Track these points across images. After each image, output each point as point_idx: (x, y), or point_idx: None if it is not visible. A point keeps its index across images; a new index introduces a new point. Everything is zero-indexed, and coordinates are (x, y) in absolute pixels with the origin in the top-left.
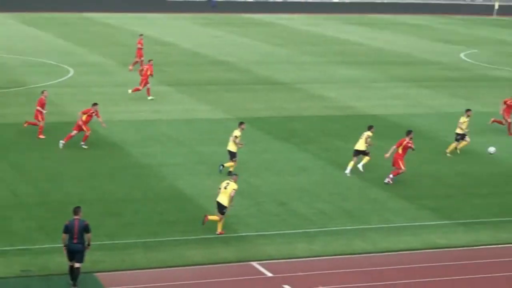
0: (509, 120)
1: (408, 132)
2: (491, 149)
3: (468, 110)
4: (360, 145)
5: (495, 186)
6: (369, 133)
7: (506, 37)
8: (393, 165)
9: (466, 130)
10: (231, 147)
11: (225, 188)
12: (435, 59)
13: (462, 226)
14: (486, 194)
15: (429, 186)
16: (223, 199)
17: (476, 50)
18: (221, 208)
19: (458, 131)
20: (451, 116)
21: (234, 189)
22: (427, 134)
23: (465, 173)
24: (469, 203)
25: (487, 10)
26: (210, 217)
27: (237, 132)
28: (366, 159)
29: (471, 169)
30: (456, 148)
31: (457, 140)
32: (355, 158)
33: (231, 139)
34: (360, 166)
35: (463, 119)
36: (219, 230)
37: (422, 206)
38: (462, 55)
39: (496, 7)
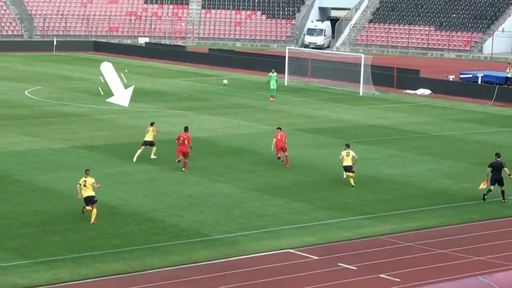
0: None
1: None
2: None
3: None
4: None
5: (72, 222)
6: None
7: (66, 72)
8: None
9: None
10: None
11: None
12: (1, 98)
13: (42, 264)
14: (64, 231)
15: (5, 226)
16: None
17: (40, 87)
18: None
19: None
20: (21, 154)
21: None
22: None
23: (42, 211)
24: (47, 241)
25: (46, 46)
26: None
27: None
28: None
29: (47, 207)
30: None
31: None
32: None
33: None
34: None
35: None
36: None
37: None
38: (26, 92)
39: (55, 43)
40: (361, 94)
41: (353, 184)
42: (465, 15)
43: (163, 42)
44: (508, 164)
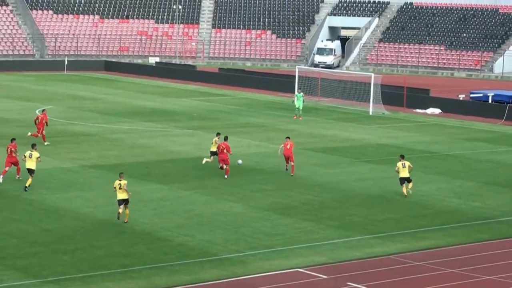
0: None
1: None
2: (239, 161)
3: None
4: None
5: (81, 241)
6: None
7: (77, 92)
8: None
9: None
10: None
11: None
12: (13, 117)
13: (51, 283)
14: (73, 250)
15: (14, 245)
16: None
17: (51, 106)
18: None
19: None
20: None
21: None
22: None
23: (51, 230)
24: (56, 260)
25: (57, 66)
26: None
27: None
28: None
29: (56, 226)
30: None
31: None
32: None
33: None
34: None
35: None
36: None
37: (8, 266)
38: (37, 111)
39: (66, 62)
40: (371, 113)
41: (410, 193)
42: (475, 35)
43: (173, 61)
44: None
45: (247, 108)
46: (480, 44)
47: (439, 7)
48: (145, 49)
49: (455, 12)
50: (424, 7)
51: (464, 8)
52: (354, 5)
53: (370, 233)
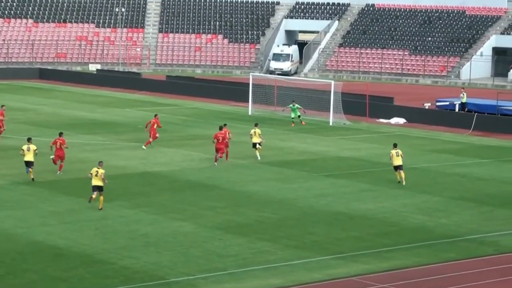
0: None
1: None
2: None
3: None
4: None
5: (12, 265)
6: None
7: (7, 102)
8: None
9: None
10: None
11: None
12: None
13: None
14: (3, 274)
15: None
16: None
17: None
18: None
19: None
20: None
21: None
22: None
23: None
24: None
25: None
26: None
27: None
28: None
29: None
30: None
31: None
32: None
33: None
34: None
35: None
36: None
37: None
38: None
39: None
40: (331, 123)
41: (403, 184)
42: (441, 39)
43: (116, 69)
44: (487, 198)
45: (197, 118)
46: (446, 48)
47: (402, 9)
48: (85, 55)
49: (419, 14)
50: (386, 9)
51: (429, 10)
52: (312, 7)
53: (331, 253)
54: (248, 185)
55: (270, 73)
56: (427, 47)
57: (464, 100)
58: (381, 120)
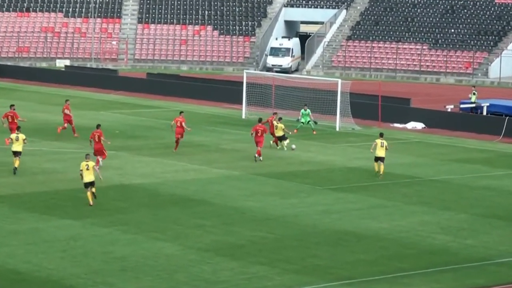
0: None
1: None
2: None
3: None
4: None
5: None
6: None
7: None
8: None
9: None
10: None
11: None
12: None
13: None
14: None
15: None
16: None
17: None
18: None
19: None
20: None
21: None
22: None
23: None
24: None
25: None
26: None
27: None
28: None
29: None
30: None
31: None
32: None
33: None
34: None
35: None
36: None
37: None
38: None
39: None
40: (337, 129)
41: (380, 177)
42: (466, 31)
43: (88, 65)
44: None
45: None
46: (472, 42)
47: None
48: (52, 49)
49: (440, 2)
50: None
51: None
52: None
53: (337, 278)
54: (242, 200)
55: (267, 71)
56: (449, 41)
57: (473, 100)
58: (396, 125)
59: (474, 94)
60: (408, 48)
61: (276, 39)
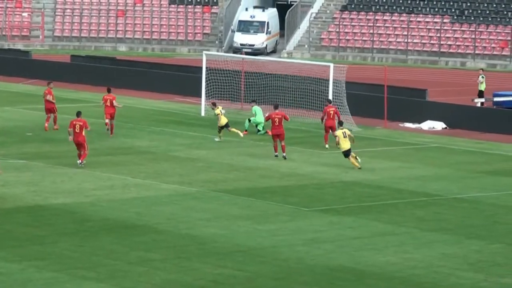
0: None
1: None
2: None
3: None
4: None
5: None
6: None
7: None
8: None
9: None
10: None
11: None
12: None
13: None
14: None
15: None
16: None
17: None
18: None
19: None
20: None
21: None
22: None
23: None
24: None
25: None
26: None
27: None
28: None
29: None
30: None
31: None
32: None
33: None
34: None
35: None
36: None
37: None
38: None
39: None
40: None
41: (360, 166)
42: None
43: None
44: None
45: (121, 122)
46: (510, 14)
47: None
48: None
49: None
50: None
51: None
52: None
53: None
54: (201, 225)
55: (235, 52)
56: (479, 12)
57: (481, 88)
58: (408, 125)
59: (481, 78)
60: (424, 22)
61: (246, 9)
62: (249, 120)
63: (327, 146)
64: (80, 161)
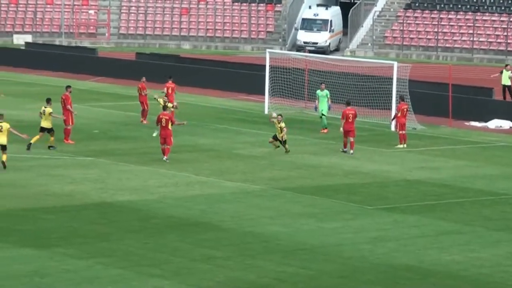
0: None
1: None
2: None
3: None
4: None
5: None
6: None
7: None
8: None
9: None
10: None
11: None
12: None
13: None
14: None
15: None
16: None
17: None
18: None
19: None
20: None
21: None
22: None
23: None
24: None
25: None
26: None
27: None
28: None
29: None
30: None
31: None
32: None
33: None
34: None
35: None
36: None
37: None
38: None
39: None
40: (393, 128)
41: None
42: None
43: (57, 42)
44: None
45: (185, 119)
46: None
47: None
48: (7, 21)
49: None
50: None
51: None
52: None
53: None
54: (264, 223)
55: (298, 50)
56: None
57: (506, 83)
58: (474, 123)
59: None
60: (490, 21)
61: (310, 7)
62: (322, 115)
63: (401, 146)
64: (165, 157)
